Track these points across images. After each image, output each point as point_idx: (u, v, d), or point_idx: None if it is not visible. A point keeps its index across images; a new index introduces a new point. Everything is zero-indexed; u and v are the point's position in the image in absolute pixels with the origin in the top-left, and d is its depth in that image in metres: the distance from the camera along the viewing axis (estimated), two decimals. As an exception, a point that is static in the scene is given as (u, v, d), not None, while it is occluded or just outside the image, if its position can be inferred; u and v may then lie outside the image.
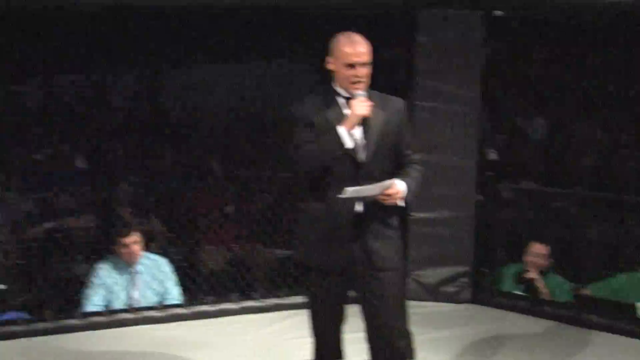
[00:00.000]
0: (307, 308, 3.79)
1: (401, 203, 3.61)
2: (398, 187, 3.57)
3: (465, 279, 6.36)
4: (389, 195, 3.55)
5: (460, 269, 6.35)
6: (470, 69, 6.24)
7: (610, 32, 9.42)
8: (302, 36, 7.61)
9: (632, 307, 5.83)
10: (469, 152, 6.31)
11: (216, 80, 9.16)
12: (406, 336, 3.64)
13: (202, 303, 6.00)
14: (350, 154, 3.59)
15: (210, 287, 6.48)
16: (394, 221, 3.68)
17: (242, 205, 7.83)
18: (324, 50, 3.71)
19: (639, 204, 8.11)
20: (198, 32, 8.26)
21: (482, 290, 6.46)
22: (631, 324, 5.70)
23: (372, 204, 3.59)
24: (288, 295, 6.15)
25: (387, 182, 3.56)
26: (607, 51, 10.28)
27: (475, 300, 6.35)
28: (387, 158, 3.66)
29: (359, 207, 3.60)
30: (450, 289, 6.33)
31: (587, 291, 6.26)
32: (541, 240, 6.46)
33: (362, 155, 3.61)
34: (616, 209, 8.17)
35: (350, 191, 3.50)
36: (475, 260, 6.46)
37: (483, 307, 6.29)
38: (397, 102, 3.75)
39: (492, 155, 7.29)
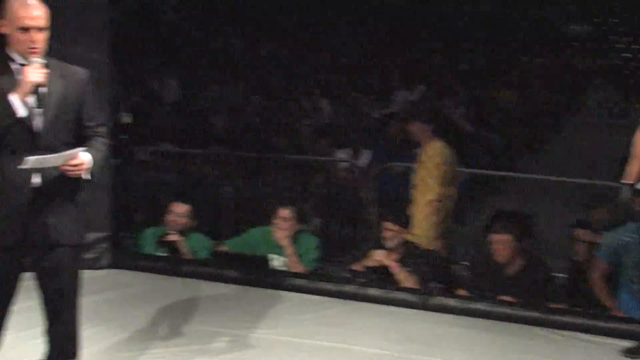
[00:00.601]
0: None
1: (86, 176, 3.47)
2: (82, 158, 3.43)
3: (104, 244, 6.30)
4: (74, 166, 3.40)
5: (99, 234, 6.27)
6: (97, 31, 6.11)
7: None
8: None
9: (265, 260, 6.14)
10: (101, 116, 6.18)
11: None
12: (75, 314, 3.59)
13: None
14: (24, 122, 3.37)
15: None
16: (75, 195, 3.54)
17: None
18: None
19: (271, 161, 8.54)
20: None
21: (122, 254, 6.44)
22: (263, 276, 6.01)
23: (51, 177, 3.42)
24: None
25: (71, 152, 3.40)
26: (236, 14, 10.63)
27: (115, 265, 6.33)
28: (68, 129, 3.49)
29: (36, 180, 3.41)
30: (90, 255, 6.22)
31: (224, 247, 6.49)
32: (182, 200, 6.56)
33: (38, 125, 3.41)
34: (249, 167, 8.53)
35: (31, 161, 3.31)
36: (113, 225, 6.42)
37: (124, 271, 6.30)
38: (80, 72, 3.60)
39: (126, 119, 7.23)
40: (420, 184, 6.48)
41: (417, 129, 6.62)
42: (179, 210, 6.46)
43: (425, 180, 6.43)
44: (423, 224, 6.36)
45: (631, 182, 4.78)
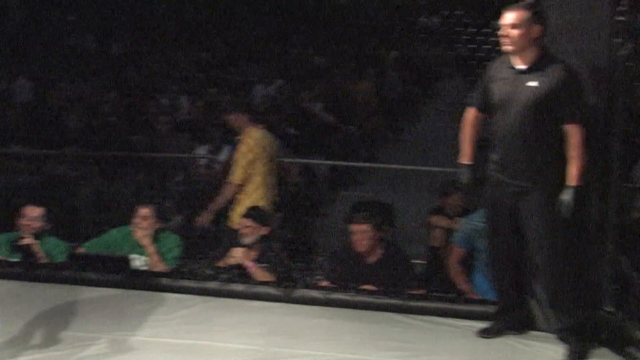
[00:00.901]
0: None
1: None
2: None
3: (-47, 253, 6.03)
4: None
5: (-53, 242, 6.00)
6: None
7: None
8: None
9: (126, 260, 6.02)
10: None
11: None
12: None
13: None
14: None
15: None
16: None
17: None
18: None
19: (129, 159, 8.41)
20: None
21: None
22: (125, 277, 5.89)
23: None
24: None
25: None
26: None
27: (-34, 273, 6.05)
28: None
29: None
30: (-62, 265, 5.95)
31: (81, 250, 6.32)
32: (35, 203, 6.36)
33: None
34: (107, 166, 8.37)
35: None
36: (-37, 231, 6.16)
37: (-25, 279, 6.03)
38: None
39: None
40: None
41: (234, 118, 6.71)
42: (33, 214, 6.27)
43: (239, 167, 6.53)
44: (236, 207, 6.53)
45: (467, 162, 4.84)
